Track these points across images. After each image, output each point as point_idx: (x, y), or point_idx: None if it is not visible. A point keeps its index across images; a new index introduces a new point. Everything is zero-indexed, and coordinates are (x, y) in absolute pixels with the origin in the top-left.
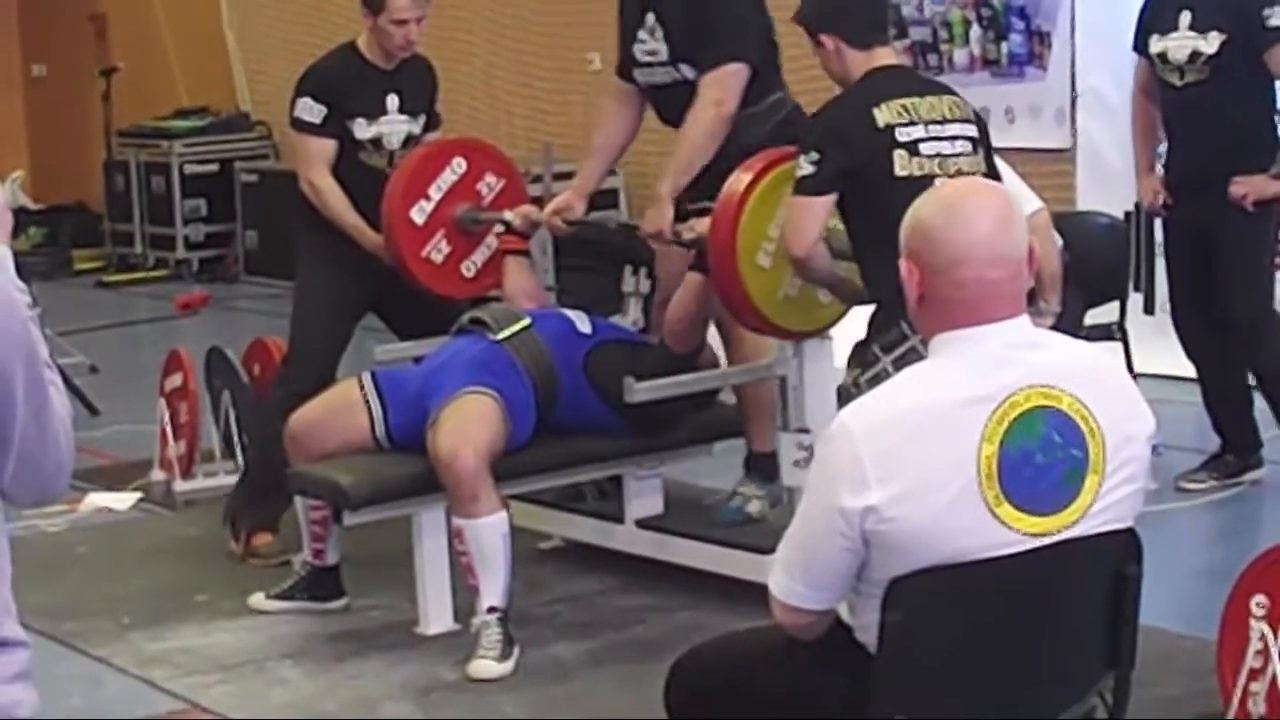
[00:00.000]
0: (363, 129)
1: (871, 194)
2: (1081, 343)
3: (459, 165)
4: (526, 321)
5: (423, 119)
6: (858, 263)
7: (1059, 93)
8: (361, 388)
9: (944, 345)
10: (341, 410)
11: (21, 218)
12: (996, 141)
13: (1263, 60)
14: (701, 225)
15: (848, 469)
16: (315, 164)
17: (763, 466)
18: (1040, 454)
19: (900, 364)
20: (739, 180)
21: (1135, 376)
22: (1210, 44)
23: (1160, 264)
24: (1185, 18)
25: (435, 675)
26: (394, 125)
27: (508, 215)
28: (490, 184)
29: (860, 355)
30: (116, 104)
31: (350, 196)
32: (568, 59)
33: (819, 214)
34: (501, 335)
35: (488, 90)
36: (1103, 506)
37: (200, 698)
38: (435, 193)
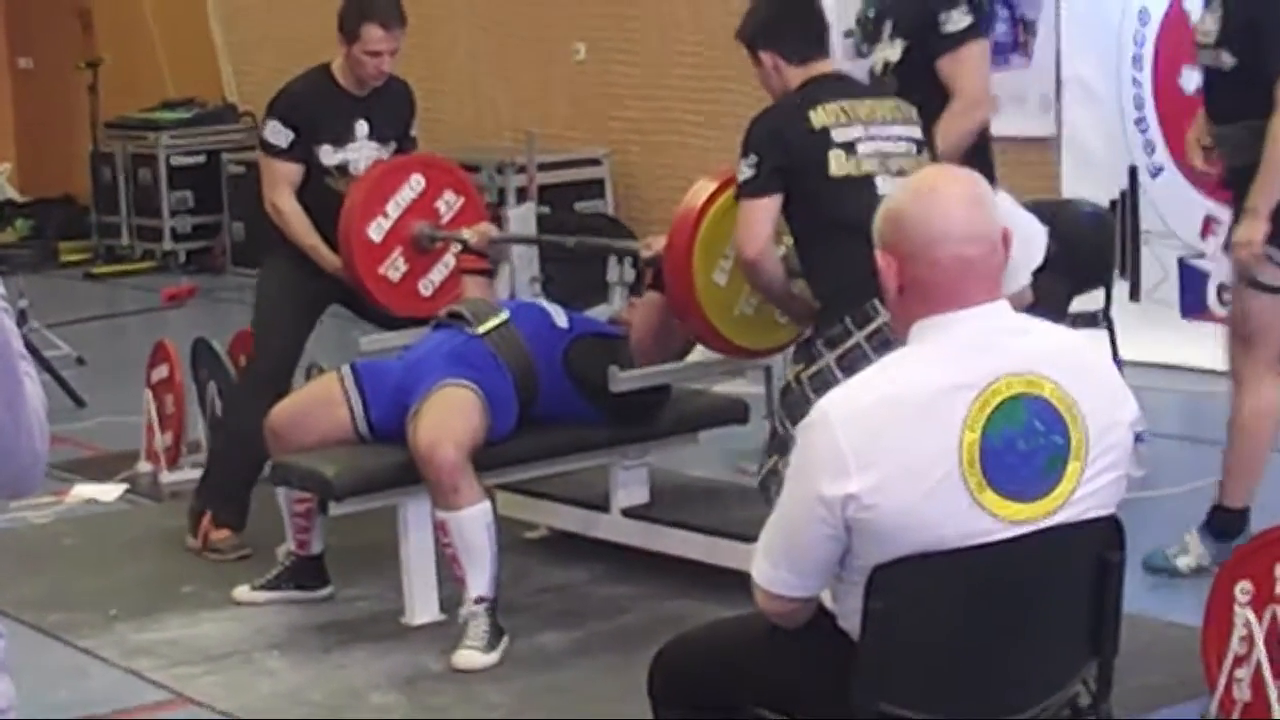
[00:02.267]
0: (329, 155)
1: (809, 194)
2: (1063, 328)
3: (417, 182)
4: (505, 315)
5: (393, 145)
6: (802, 265)
7: (1043, 80)
8: (341, 382)
9: (923, 331)
10: (321, 404)
11: (8, 210)
12: None
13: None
14: (658, 243)
15: (828, 457)
16: (279, 186)
17: (1222, 523)
18: (1022, 441)
19: (843, 360)
20: (697, 195)
21: (1121, 364)
22: (895, 51)
23: (1146, 251)
24: (888, 26)
25: (421, 665)
26: (362, 152)
27: (465, 234)
28: (449, 202)
29: (804, 351)
30: (103, 96)
31: (314, 219)
32: (552, 49)
33: (766, 214)
34: (480, 329)
35: (471, 80)
36: (1085, 493)
37: (187, 688)
38: (393, 210)
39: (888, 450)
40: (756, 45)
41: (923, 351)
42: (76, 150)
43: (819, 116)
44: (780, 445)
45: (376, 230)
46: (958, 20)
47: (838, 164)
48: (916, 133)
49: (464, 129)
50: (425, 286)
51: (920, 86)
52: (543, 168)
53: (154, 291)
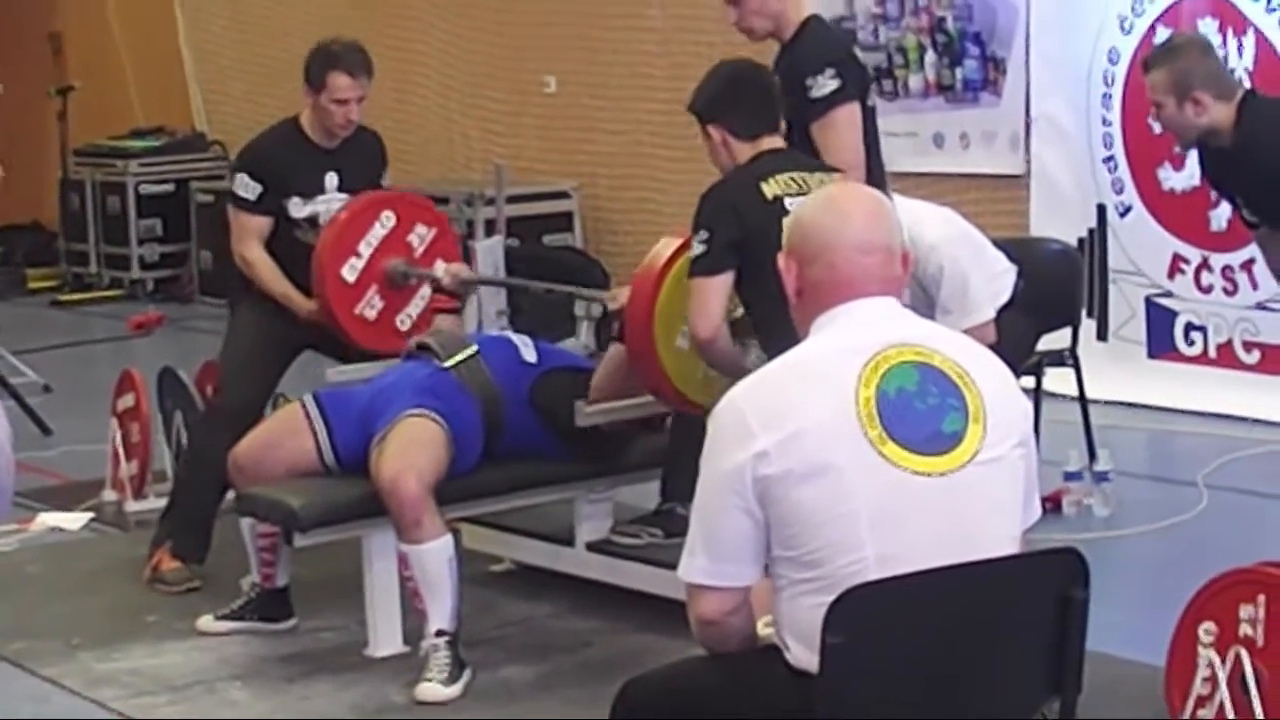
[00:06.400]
0: (298, 208)
1: (763, 263)
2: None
3: (388, 219)
4: (474, 349)
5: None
6: (758, 334)
7: (1013, 118)
8: (305, 411)
9: (819, 327)
10: (286, 435)
11: None
12: (951, 168)
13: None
14: (624, 295)
15: (732, 428)
16: (247, 238)
17: None
18: (919, 401)
19: None
20: (659, 256)
21: (1087, 402)
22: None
23: (1113, 291)
24: None
25: (384, 697)
26: (331, 204)
27: (438, 273)
28: (421, 235)
29: None
30: (72, 123)
31: (285, 270)
32: (522, 81)
33: (719, 292)
34: (449, 362)
35: (442, 112)
36: (991, 458)
37: (149, 718)
38: (365, 249)
39: (789, 409)
40: (705, 119)
41: (816, 336)
42: (45, 177)
43: (771, 187)
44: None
45: (350, 271)
46: (823, 85)
47: None
48: None
49: (434, 160)
50: (403, 321)
51: (802, 149)
52: (512, 200)
53: (121, 320)
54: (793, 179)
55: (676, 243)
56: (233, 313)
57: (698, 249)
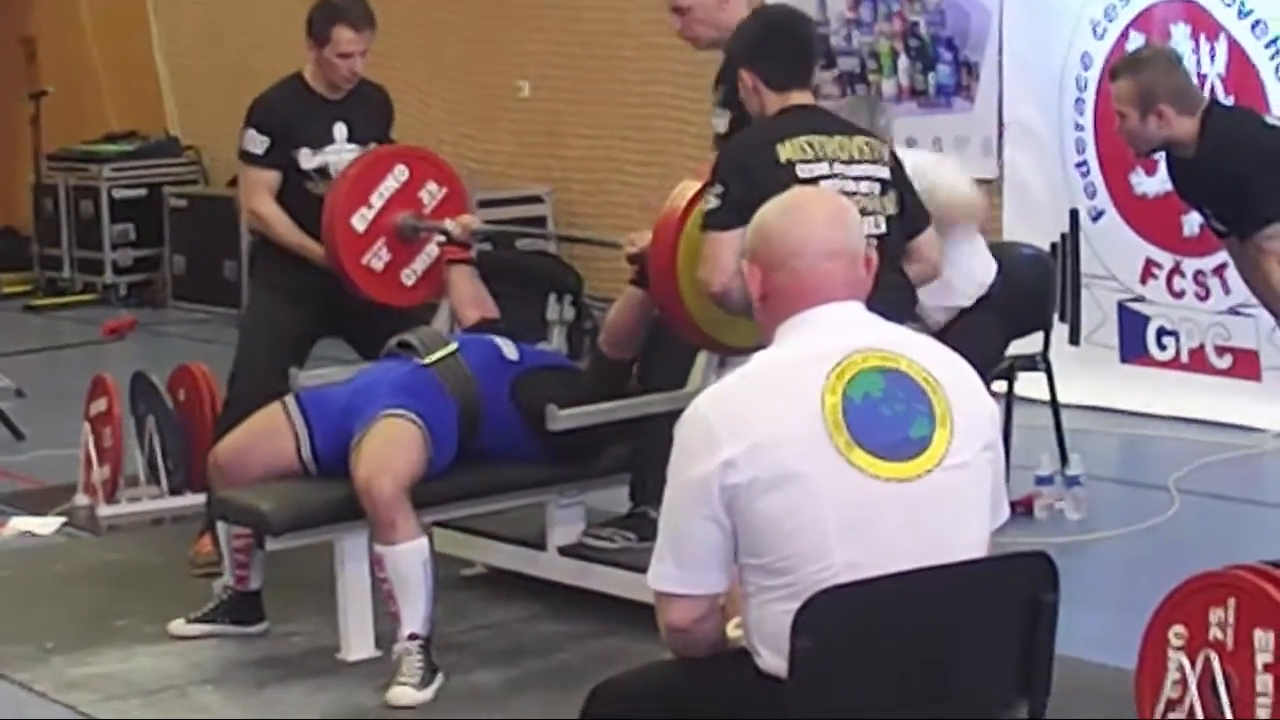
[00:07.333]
0: (308, 159)
1: None
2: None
3: (401, 173)
4: (454, 347)
5: (372, 148)
6: None
7: (986, 124)
8: (286, 411)
9: (784, 332)
10: (266, 435)
11: None
12: None
13: None
14: (642, 239)
15: (699, 438)
16: (258, 193)
17: None
18: (885, 407)
19: None
20: (679, 197)
21: (1059, 406)
22: (722, 122)
23: (1086, 295)
24: (719, 93)
25: (356, 702)
26: (341, 155)
27: (448, 224)
28: (432, 192)
29: None
30: (46, 127)
31: (297, 224)
32: (496, 85)
33: (731, 246)
34: (428, 360)
35: (416, 116)
36: (958, 462)
37: None
38: (377, 200)
39: (755, 418)
40: (740, 63)
41: (782, 343)
42: (18, 181)
43: (786, 150)
44: None
45: (360, 220)
46: None
47: None
48: (883, 172)
49: (423, 147)
50: (408, 276)
51: None
52: (485, 204)
53: (94, 324)
54: (809, 143)
55: (695, 185)
56: (250, 297)
57: (712, 203)
